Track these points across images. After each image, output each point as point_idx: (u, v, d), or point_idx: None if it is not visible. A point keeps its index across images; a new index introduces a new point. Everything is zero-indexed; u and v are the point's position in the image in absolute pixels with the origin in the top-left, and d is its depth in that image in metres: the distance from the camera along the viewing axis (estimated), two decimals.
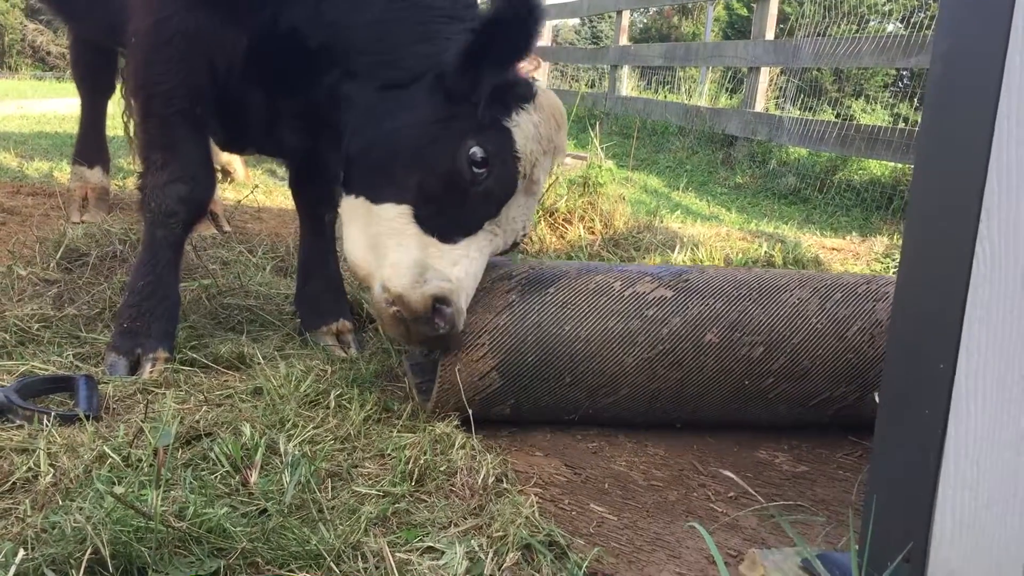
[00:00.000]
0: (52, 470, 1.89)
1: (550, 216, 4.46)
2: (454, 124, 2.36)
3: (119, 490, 1.75)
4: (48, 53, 17.94)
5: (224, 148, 3.21)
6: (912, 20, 10.37)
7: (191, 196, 2.66)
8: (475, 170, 2.33)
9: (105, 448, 1.98)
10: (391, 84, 2.45)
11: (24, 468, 1.91)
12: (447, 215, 2.36)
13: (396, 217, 2.36)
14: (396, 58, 2.46)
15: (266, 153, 3.25)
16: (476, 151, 2.32)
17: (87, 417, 2.17)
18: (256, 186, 5.28)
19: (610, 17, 14.30)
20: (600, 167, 4.69)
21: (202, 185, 2.69)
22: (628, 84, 13.55)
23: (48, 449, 1.98)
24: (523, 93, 2.41)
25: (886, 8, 14.56)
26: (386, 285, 2.32)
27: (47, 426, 2.10)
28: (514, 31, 2.26)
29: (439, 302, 2.28)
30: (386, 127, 2.42)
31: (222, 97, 2.65)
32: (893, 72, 15.05)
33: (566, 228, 4.44)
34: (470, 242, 2.38)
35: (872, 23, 14.44)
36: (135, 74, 2.68)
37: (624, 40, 13.16)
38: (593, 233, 4.46)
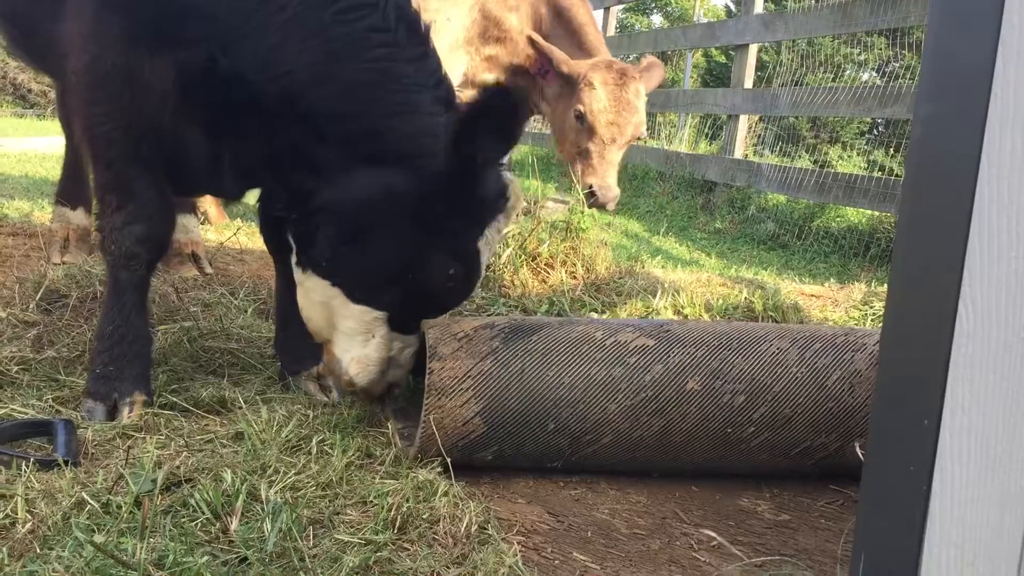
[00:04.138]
0: (30, 517, 1.87)
1: (532, 261, 4.47)
2: (441, 241, 2.47)
3: (99, 539, 1.73)
4: (29, 91, 17.91)
5: (173, 192, 3.17)
6: (887, 70, 10.58)
7: (150, 236, 2.63)
8: (448, 284, 2.52)
9: (84, 495, 1.96)
10: (373, 160, 2.44)
11: (1, 515, 1.88)
12: (413, 318, 2.57)
13: (371, 320, 2.52)
14: (373, 130, 2.44)
15: (214, 195, 3.24)
16: (453, 272, 2.50)
17: (66, 462, 2.15)
18: (239, 228, 5.27)
19: None
20: (583, 212, 4.72)
21: (160, 223, 2.66)
22: None
23: (26, 495, 1.96)
24: (500, 207, 2.53)
25: (861, 58, 14.83)
26: (351, 378, 2.56)
27: (25, 471, 2.08)
28: (497, 115, 2.40)
29: (393, 386, 2.63)
30: (373, 227, 2.45)
31: (162, 137, 2.59)
32: (869, 120, 15.31)
33: (548, 273, 4.46)
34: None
35: (848, 72, 14.71)
36: (78, 116, 2.64)
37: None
38: (575, 278, 4.48)
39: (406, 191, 2.42)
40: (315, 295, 2.55)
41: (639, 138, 5.53)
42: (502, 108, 2.39)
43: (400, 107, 2.46)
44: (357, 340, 2.54)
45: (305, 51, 2.44)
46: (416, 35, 2.54)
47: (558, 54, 5.17)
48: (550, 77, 5.31)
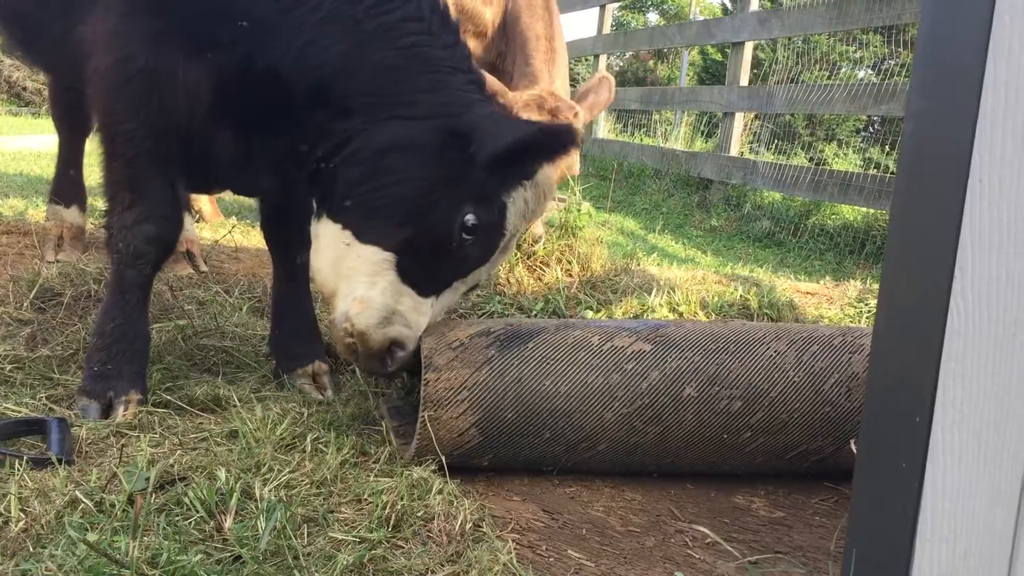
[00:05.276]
0: (23, 515, 1.87)
1: (528, 259, 4.47)
2: (457, 187, 2.40)
3: (92, 537, 1.72)
4: (24, 89, 17.84)
5: (189, 189, 3.18)
6: (883, 67, 10.58)
7: (160, 236, 2.63)
8: (463, 236, 2.41)
9: (77, 493, 1.96)
10: (401, 118, 2.46)
11: None
12: (425, 269, 2.45)
13: (379, 261, 2.42)
14: (408, 102, 2.46)
15: (238, 192, 3.24)
16: (470, 219, 2.40)
17: (59, 461, 2.14)
18: (234, 226, 5.26)
19: (587, 60, 14.49)
20: (579, 211, 4.72)
21: (170, 224, 2.66)
22: (605, 127, 13.70)
23: (19, 494, 1.95)
24: (527, 173, 2.48)
25: (857, 55, 14.84)
26: (351, 319, 2.42)
27: (19, 470, 2.07)
28: (552, 149, 2.37)
29: (395, 345, 2.44)
30: (391, 169, 2.43)
31: (190, 135, 2.61)
32: (864, 118, 15.32)
33: (544, 271, 4.46)
34: (437, 296, 2.51)
35: (844, 69, 14.72)
36: (98, 113, 2.65)
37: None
38: (571, 276, 4.48)
39: (427, 138, 2.43)
40: (326, 239, 2.51)
41: (573, 176, 5.21)
42: (545, 148, 2.38)
43: (433, 84, 2.49)
44: (362, 282, 2.44)
45: (338, 44, 2.47)
46: (448, 25, 2.59)
47: (494, 86, 4.92)
48: None
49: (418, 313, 2.46)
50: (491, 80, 4.77)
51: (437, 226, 2.40)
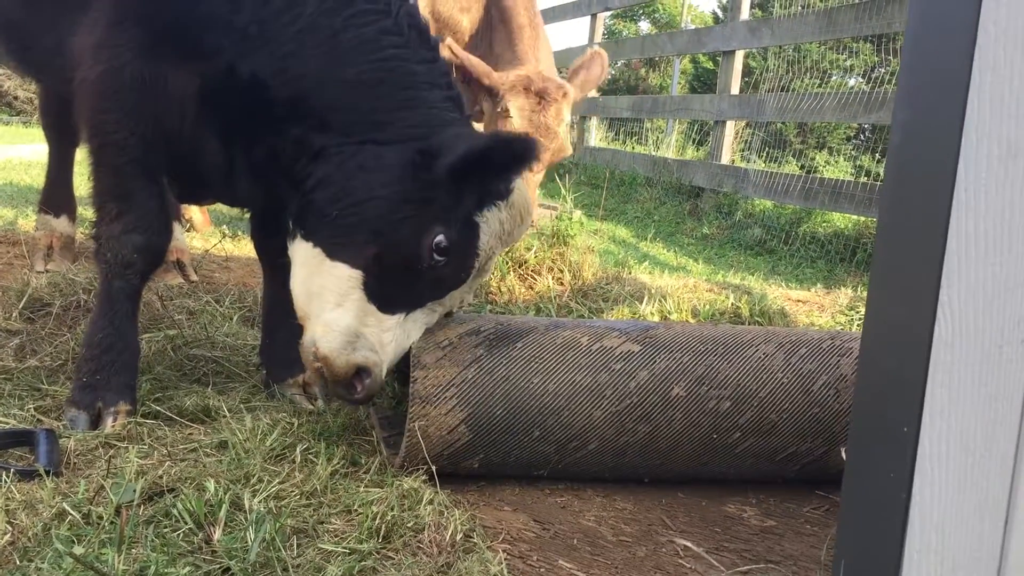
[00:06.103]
0: (10, 528, 1.86)
1: (519, 267, 4.47)
2: (427, 207, 2.38)
3: (79, 550, 1.71)
4: (15, 98, 17.77)
5: (180, 199, 3.17)
6: (873, 75, 10.62)
7: (148, 246, 2.62)
8: (435, 257, 2.37)
9: (65, 505, 1.95)
10: (369, 140, 2.46)
11: None
12: (395, 290, 2.41)
13: (346, 279, 2.38)
14: (379, 121, 2.47)
15: (225, 202, 3.23)
16: (441, 240, 2.36)
17: (47, 472, 2.13)
18: (224, 235, 5.25)
19: None
20: (570, 219, 4.72)
21: (159, 234, 2.66)
22: (597, 135, 13.72)
23: (6, 506, 1.94)
24: (500, 192, 2.45)
25: (847, 64, 14.90)
26: (315, 343, 2.38)
27: (6, 482, 2.06)
28: (511, 160, 2.33)
29: (361, 371, 2.35)
30: (359, 189, 2.42)
31: (178, 145, 2.61)
32: (855, 125, 15.38)
33: (535, 279, 4.46)
34: (408, 316, 2.43)
35: (834, 77, 14.78)
36: (86, 124, 2.64)
37: (593, 91, 13.31)
38: (562, 284, 4.48)
39: (396, 157, 2.41)
40: (299, 259, 2.50)
41: (564, 157, 5.20)
42: (503, 159, 2.33)
43: (408, 101, 2.49)
44: (329, 302, 2.39)
45: (317, 55, 2.48)
46: (426, 41, 2.59)
47: (479, 67, 4.73)
48: (475, 88, 5.04)
49: (384, 332, 2.40)
50: (477, 62, 4.78)
51: (405, 245, 2.37)
